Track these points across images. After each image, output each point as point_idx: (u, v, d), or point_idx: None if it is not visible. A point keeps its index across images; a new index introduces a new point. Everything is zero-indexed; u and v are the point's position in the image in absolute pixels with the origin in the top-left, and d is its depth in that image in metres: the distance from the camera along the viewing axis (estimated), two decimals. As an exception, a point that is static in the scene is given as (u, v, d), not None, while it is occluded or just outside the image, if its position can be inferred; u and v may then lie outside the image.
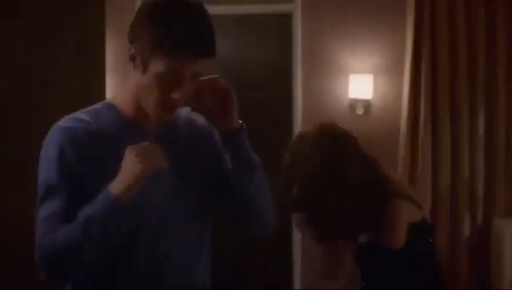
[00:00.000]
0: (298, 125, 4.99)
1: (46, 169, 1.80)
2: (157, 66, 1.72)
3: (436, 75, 4.76)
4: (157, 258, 1.83)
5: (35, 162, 1.85)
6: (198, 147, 1.94)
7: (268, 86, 5.19)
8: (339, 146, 2.39)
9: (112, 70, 4.90)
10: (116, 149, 1.75)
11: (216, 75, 1.85)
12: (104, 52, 4.06)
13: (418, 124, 4.76)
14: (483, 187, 4.77)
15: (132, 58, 1.77)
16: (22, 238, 3.69)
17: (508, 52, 4.72)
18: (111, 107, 1.88)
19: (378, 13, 4.90)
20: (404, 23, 4.83)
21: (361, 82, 4.82)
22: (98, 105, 1.91)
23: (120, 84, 5.05)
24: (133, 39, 1.78)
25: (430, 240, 2.51)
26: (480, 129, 4.77)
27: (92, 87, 3.99)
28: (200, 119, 1.95)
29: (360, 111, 4.88)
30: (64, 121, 1.85)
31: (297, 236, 5.00)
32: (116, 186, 1.69)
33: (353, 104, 4.89)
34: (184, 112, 1.96)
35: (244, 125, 1.90)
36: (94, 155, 1.78)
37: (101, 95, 4.05)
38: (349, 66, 4.91)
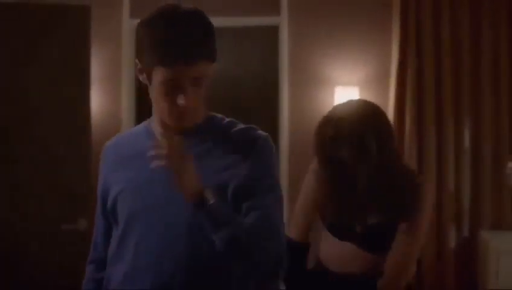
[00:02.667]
0: (284, 137, 4.99)
1: None
2: (157, 76, 1.80)
3: (422, 88, 4.78)
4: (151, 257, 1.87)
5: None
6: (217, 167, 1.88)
7: (255, 98, 5.20)
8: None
9: (99, 81, 4.89)
10: (139, 163, 1.92)
11: (177, 138, 1.78)
12: (89, 63, 4.06)
13: (404, 137, 4.78)
14: (469, 200, 4.78)
15: (140, 73, 1.87)
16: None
17: (493, 64, 4.75)
18: (149, 122, 2.01)
19: (364, 26, 4.93)
20: (390, 36, 4.86)
21: (347, 94, 4.83)
22: (147, 122, 2.03)
23: (108, 95, 5.06)
24: (137, 54, 1.88)
25: None
26: (466, 141, 4.79)
27: (76, 98, 4.00)
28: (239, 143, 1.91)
29: (346, 123, 4.88)
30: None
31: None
32: None
33: (339, 116, 4.88)
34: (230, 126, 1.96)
35: (208, 204, 1.77)
36: (119, 169, 1.97)
37: (86, 106, 4.06)
38: (335, 79, 4.92)
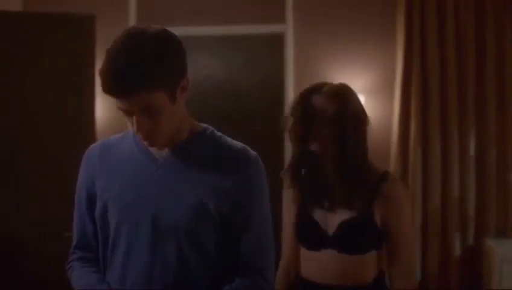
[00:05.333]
0: (290, 145, 4.98)
1: None
2: None
3: (426, 96, 4.79)
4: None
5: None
6: (201, 185, 1.84)
7: (261, 106, 5.21)
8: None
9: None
10: (127, 169, 1.89)
11: None
12: (94, 71, 4.07)
13: (409, 145, 4.78)
14: (474, 207, 4.78)
15: None
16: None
17: (498, 71, 4.76)
18: None
19: (369, 34, 4.94)
20: (395, 43, 4.87)
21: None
22: None
23: (112, 102, 5.06)
24: None
25: None
26: (471, 149, 4.79)
27: (81, 106, 4.01)
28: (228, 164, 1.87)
29: (351, 131, 4.88)
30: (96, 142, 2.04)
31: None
32: None
33: (344, 124, 4.89)
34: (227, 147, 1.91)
35: None
36: (106, 175, 1.91)
37: (90, 113, 4.06)
38: (340, 87, 4.93)
